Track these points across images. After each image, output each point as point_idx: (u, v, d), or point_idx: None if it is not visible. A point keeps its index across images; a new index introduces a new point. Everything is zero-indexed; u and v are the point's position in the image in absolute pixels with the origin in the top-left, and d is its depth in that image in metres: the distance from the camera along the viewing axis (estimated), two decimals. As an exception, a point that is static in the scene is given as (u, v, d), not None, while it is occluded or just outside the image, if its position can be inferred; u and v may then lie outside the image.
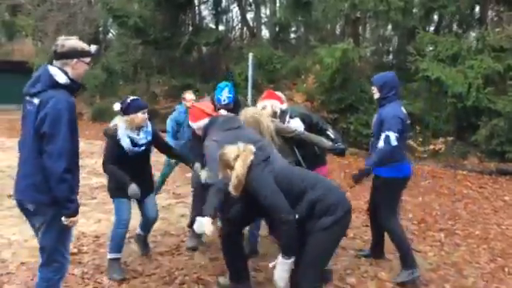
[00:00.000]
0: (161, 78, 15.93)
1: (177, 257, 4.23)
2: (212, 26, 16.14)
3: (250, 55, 9.43)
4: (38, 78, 2.60)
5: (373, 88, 3.93)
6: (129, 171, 3.64)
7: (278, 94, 4.30)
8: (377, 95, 3.89)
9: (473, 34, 11.45)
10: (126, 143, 3.67)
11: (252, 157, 2.90)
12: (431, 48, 9.88)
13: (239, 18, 16.29)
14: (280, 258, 2.74)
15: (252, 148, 2.97)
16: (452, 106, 9.13)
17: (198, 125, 3.65)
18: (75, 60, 2.64)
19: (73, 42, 2.66)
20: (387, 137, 3.64)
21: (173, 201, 6.34)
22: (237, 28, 17.63)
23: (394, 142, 3.63)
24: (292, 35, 14.71)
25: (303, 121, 4.02)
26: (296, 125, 4.00)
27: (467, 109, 9.05)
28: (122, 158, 3.68)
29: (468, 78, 8.93)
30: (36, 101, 2.55)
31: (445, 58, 9.47)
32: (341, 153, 3.84)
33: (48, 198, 2.57)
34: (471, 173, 8.66)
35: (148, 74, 16.46)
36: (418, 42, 9.88)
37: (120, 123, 3.74)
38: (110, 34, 21.24)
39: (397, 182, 3.83)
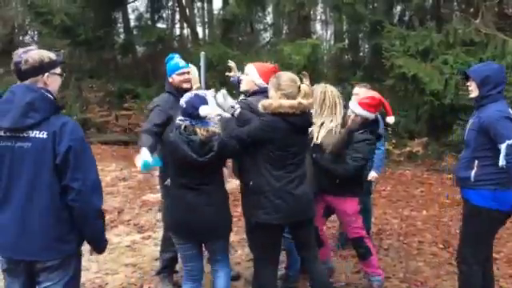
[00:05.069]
0: (94, 82, 14.13)
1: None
2: (149, 23, 14.54)
3: (202, 54, 8.26)
4: (31, 104, 2.15)
5: (469, 83, 2.92)
6: None
7: (387, 104, 3.29)
8: (474, 93, 2.87)
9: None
10: None
11: None
12: (397, 43, 9.26)
13: (180, 13, 14.89)
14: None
15: None
16: (429, 104, 8.52)
17: None
18: (46, 74, 2.25)
19: (37, 54, 2.25)
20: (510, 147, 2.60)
21: (137, 237, 5.04)
22: (178, 25, 16.18)
23: None
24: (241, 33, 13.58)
25: None
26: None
27: (444, 107, 8.49)
28: None
29: (444, 74, 8.37)
30: (41, 134, 2.17)
31: (415, 54, 8.88)
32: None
33: (74, 245, 2.30)
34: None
35: (78, 79, 14.52)
36: (386, 37, 9.18)
37: None
38: (28, 36, 18.85)
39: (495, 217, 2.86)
